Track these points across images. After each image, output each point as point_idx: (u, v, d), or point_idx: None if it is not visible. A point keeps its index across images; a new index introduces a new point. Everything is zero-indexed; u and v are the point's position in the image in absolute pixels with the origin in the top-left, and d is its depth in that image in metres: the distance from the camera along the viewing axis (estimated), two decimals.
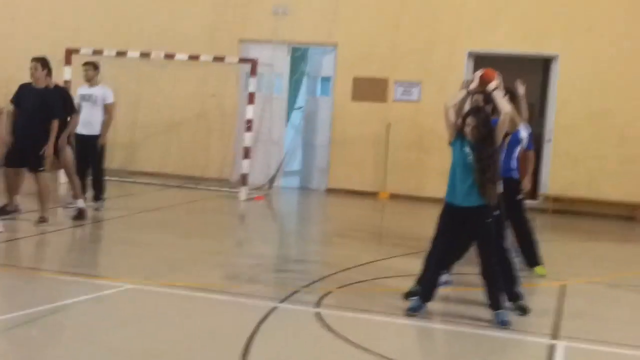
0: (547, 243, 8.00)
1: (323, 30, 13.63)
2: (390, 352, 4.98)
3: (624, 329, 5.97)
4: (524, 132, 7.31)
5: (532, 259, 7.54)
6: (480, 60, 12.87)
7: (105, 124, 9.99)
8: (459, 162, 5.79)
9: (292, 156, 14.82)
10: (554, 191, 12.63)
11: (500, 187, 5.94)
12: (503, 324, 5.67)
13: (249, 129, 12.08)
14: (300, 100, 15.60)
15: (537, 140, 11.00)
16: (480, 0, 13.04)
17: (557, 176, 12.67)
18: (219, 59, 12.52)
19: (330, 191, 13.72)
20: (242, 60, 12.77)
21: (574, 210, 12.50)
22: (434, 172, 12.92)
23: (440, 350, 5.55)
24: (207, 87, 14.04)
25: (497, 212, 5.88)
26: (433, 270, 6.00)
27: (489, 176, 5.70)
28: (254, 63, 12.11)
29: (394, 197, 13.22)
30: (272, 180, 13.46)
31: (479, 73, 6.08)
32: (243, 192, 11.96)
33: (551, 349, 5.28)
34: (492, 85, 5.95)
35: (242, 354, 4.75)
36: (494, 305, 5.77)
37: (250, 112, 12.06)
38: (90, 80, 10.03)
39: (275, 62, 13.76)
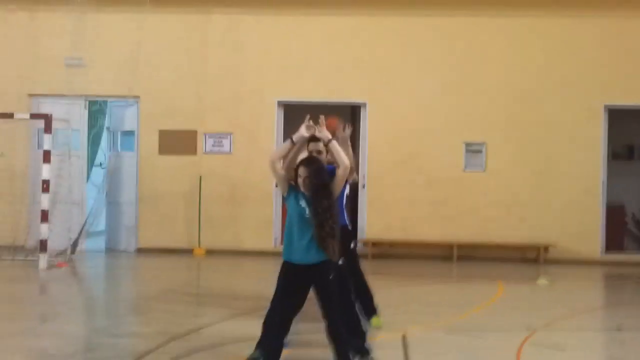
0: (376, 290, 7.70)
1: (122, 83, 12.70)
2: None
3: None
4: None
5: (368, 310, 7.23)
6: (289, 109, 12.74)
7: None
8: (295, 217, 5.32)
9: (96, 216, 13.63)
10: (372, 236, 12.63)
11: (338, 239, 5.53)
12: None
13: (45, 189, 10.89)
14: (101, 156, 14.52)
15: (352, 187, 10.91)
16: (283, 52, 12.88)
17: (373, 221, 12.70)
18: (7, 115, 11.27)
19: (141, 251, 12.76)
20: (34, 116, 11.62)
21: (392, 254, 12.56)
22: (250, 224, 12.65)
23: None
24: None
25: (340, 262, 5.49)
26: (276, 333, 5.45)
27: (328, 230, 5.28)
28: (47, 119, 11.03)
29: (209, 252, 12.54)
30: (75, 244, 12.20)
31: (321, 121, 5.64)
32: (42, 260, 10.70)
33: None
34: (325, 134, 5.53)
35: None
36: None
37: (46, 171, 10.91)
38: None
39: (71, 117, 12.65)
